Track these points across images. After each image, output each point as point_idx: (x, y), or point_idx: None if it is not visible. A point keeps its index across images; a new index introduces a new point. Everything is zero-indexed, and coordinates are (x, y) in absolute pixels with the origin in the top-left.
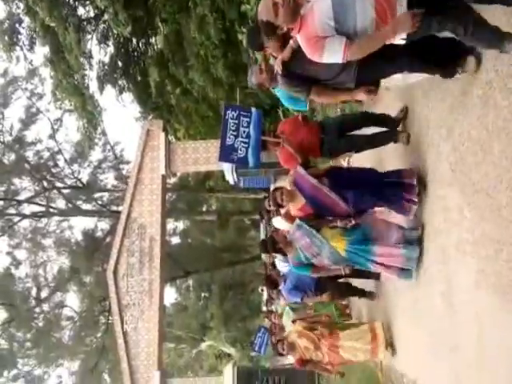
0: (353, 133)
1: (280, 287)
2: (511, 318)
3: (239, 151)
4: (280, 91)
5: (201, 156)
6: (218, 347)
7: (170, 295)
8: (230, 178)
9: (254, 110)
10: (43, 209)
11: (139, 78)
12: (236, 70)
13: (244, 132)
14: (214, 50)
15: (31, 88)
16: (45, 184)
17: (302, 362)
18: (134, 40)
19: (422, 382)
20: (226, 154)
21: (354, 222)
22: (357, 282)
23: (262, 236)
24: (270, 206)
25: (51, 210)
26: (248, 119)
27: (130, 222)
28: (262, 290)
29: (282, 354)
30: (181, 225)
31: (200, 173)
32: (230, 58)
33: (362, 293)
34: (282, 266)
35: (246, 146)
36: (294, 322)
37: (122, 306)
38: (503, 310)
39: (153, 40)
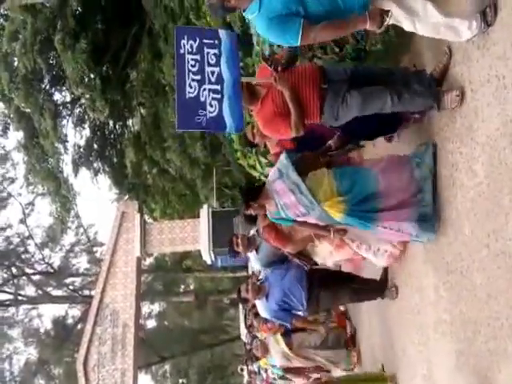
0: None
1: (258, 299)
2: None
3: (209, 107)
4: (255, 12)
5: (177, 236)
6: None
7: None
8: (207, 257)
9: (222, 32)
10: (11, 297)
11: (115, 160)
12: (213, 149)
13: (213, 74)
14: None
15: (3, 172)
16: (14, 271)
17: None
18: (111, 123)
19: None
20: (187, 115)
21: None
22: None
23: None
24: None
25: (20, 297)
26: (216, 50)
27: (102, 307)
28: (242, 370)
29: None
30: (157, 307)
31: (177, 252)
32: (207, 138)
33: (378, 289)
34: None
35: (219, 96)
36: None
37: None
38: None
39: (130, 122)
